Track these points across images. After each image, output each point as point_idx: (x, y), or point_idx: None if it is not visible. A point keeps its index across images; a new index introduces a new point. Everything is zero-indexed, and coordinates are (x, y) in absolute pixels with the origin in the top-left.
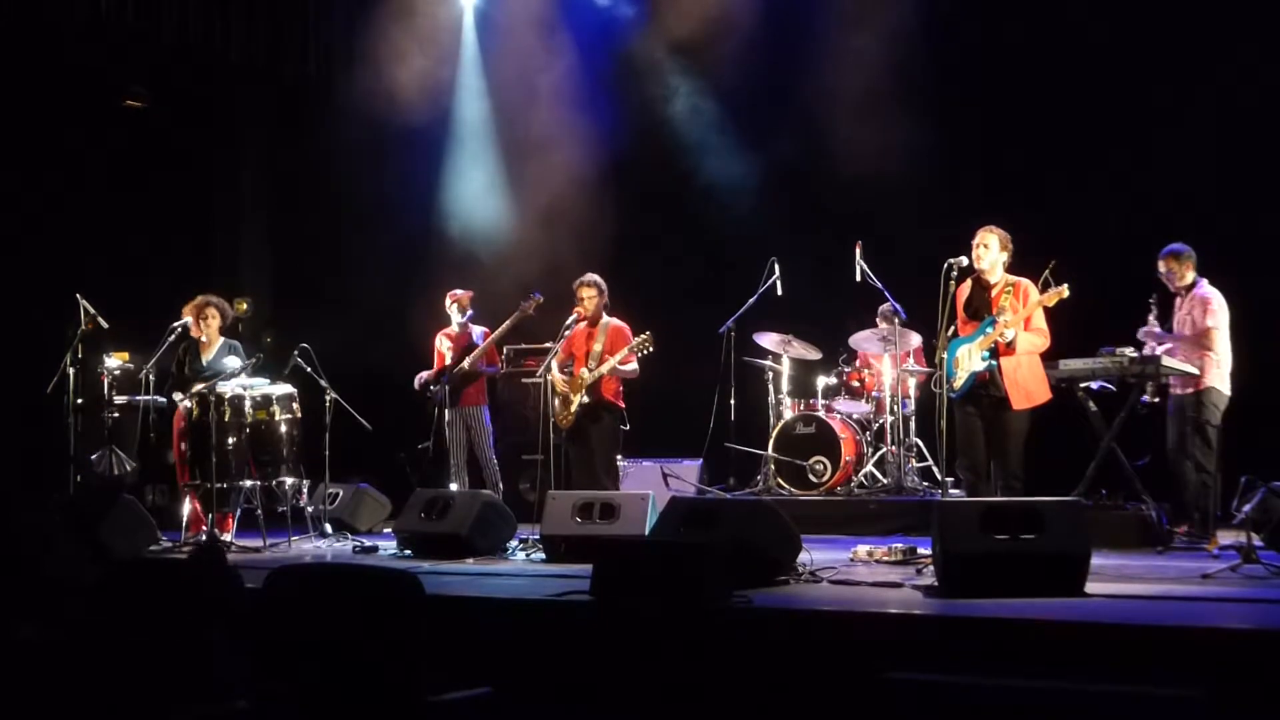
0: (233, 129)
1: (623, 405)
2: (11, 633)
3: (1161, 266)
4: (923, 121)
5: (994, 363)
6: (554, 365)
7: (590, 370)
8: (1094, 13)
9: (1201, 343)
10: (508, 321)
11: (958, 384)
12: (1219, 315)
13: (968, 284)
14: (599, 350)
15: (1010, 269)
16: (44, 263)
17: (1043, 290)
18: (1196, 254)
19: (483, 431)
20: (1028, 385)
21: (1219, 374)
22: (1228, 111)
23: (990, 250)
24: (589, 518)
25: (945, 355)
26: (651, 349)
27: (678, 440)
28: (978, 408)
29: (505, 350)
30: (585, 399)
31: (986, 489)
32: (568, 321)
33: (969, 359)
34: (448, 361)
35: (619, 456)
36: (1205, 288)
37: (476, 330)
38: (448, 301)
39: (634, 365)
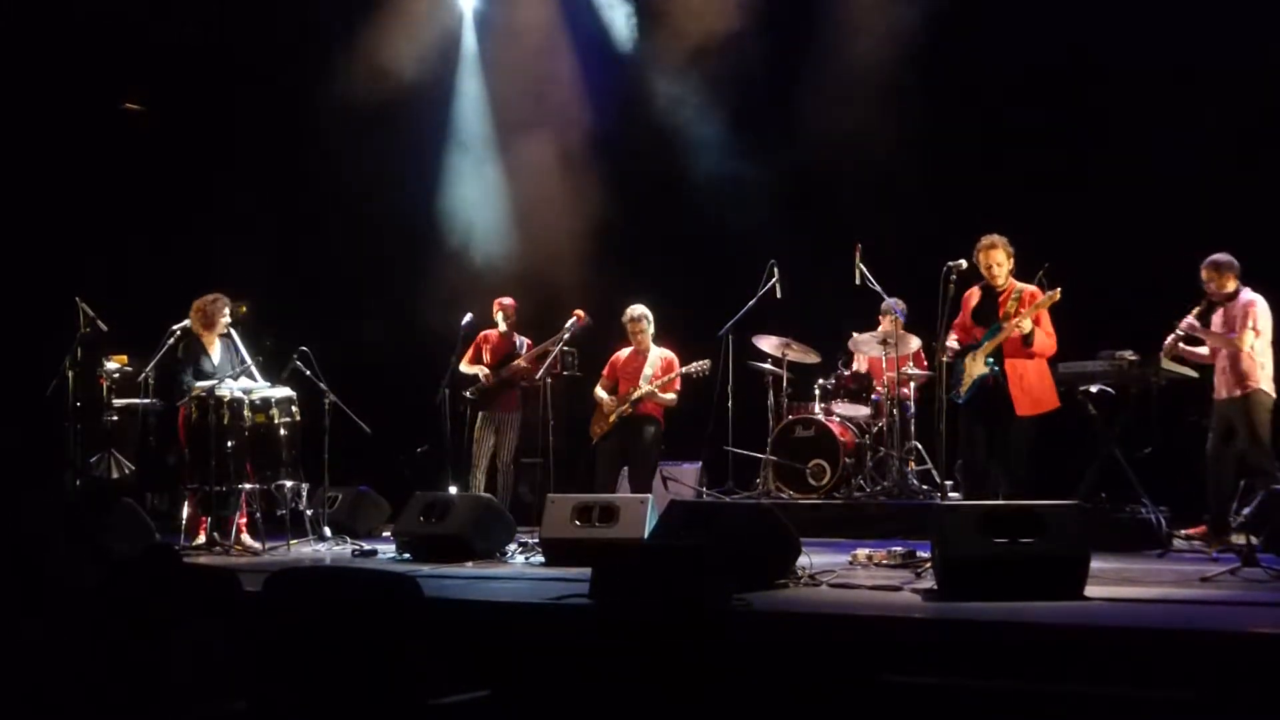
0: (232, 129)
1: (663, 422)
2: (14, 633)
3: (1203, 275)
4: (923, 125)
5: (998, 368)
6: (599, 389)
7: (644, 386)
8: (1093, 15)
9: (1237, 345)
10: (554, 337)
11: (964, 389)
12: (1262, 320)
13: (978, 291)
14: (650, 374)
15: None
16: (44, 264)
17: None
18: (1191, 253)
19: (509, 438)
20: (1034, 392)
21: (1265, 375)
22: (1229, 112)
23: (1003, 266)
24: (588, 521)
25: (944, 358)
26: (707, 374)
27: (677, 443)
28: (983, 413)
29: None
30: (630, 411)
31: (981, 494)
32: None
33: (975, 365)
34: (485, 363)
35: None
36: (1249, 294)
37: (520, 339)
38: (494, 309)
39: (674, 394)
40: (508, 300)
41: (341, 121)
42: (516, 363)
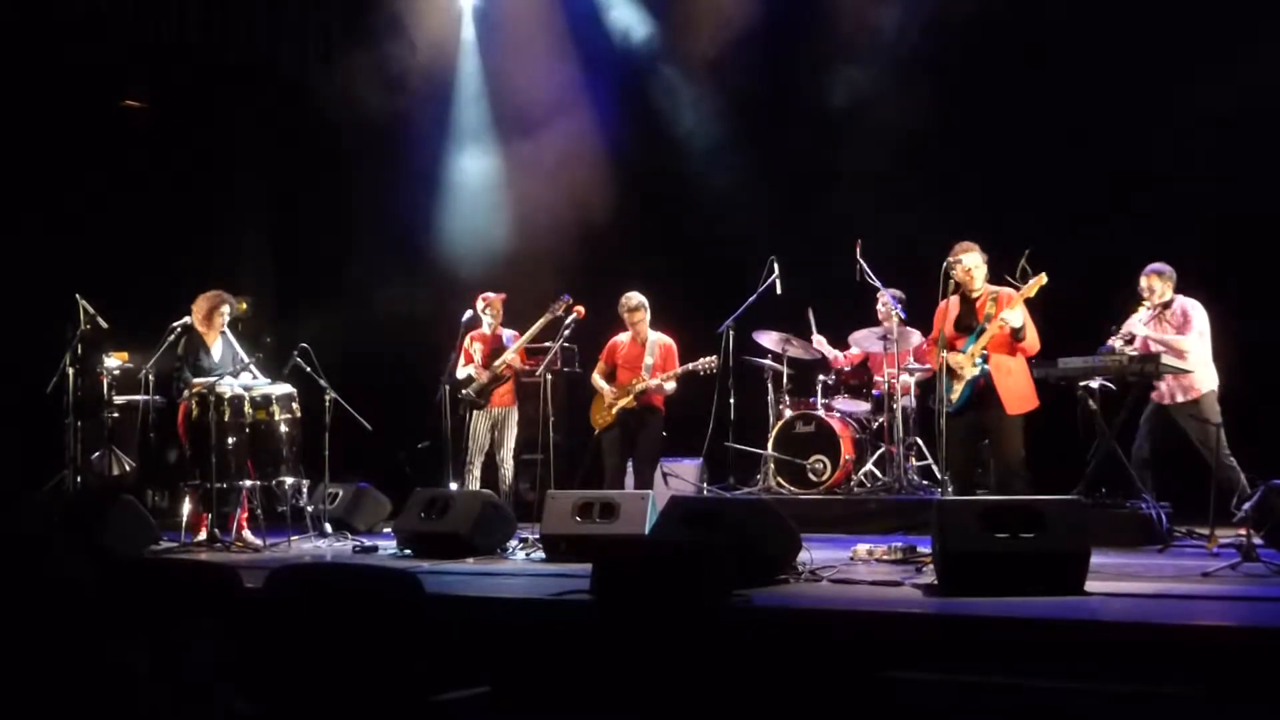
0: (232, 128)
1: (664, 410)
2: (13, 633)
3: (1143, 282)
4: (923, 122)
5: (987, 367)
6: (596, 376)
7: (647, 380)
8: (1089, 20)
9: (1183, 346)
10: (537, 324)
11: (955, 397)
12: (1205, 321)
13: (955, 302)
14: (650, 364)
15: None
16: (44, 263)
17: (1022, 280)
18: (1192, 255)
19: (507, 433)
20: (1019, 391)
21: (1211, 374)
22: (1216, 112)
23: (980, 270)
24: (588, 517)
25: (943, 355)
26: (714, 370)
27: (677, 439)
28: (975, 416)
29: None
30: (633, 404)
31: (968, 493)
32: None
33: (965, 369)
34: (476, 362)
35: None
36: (1185, 300)
37: (506, 333)
38: (480, 304)
39: (675, 383)
40: (493, 295)
41: (341, 117)
42: (506, 356)
